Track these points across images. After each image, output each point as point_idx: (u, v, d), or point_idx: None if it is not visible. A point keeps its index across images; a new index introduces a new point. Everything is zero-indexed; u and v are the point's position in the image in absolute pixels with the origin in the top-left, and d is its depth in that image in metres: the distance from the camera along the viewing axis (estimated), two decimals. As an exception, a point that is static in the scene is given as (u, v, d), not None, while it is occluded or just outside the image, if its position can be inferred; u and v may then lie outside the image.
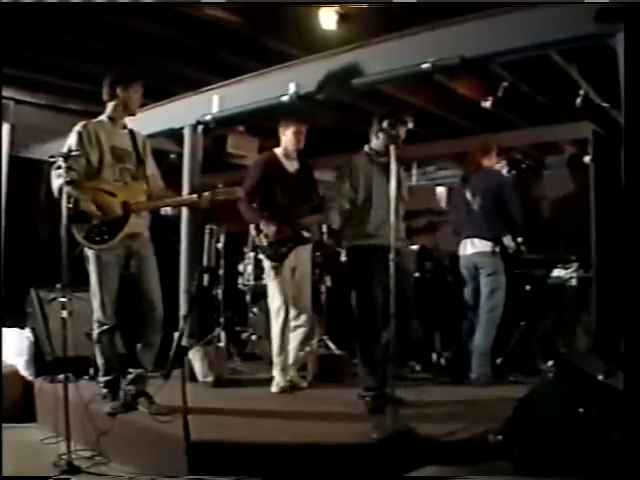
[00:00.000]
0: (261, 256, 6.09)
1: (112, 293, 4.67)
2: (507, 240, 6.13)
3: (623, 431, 3.01)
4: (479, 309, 6.21)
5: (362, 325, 5.04)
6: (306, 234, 5.83)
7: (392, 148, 4.48)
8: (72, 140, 4.61)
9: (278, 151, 5.89)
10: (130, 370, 4.79)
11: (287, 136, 5.81)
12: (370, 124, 5.22)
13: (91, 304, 4.72)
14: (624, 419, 3.02)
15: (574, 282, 6.59)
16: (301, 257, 5.81)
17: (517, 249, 6.26)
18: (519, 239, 6.32)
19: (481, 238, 6.16)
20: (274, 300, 5.71)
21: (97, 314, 4.67)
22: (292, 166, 5.87)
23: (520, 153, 8.38)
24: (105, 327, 4.67)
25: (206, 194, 4.77)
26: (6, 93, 7.38)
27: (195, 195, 4.82)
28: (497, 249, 6.11)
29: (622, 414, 3.05)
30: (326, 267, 7.23)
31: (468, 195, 6.31)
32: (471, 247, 6.25)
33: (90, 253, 4.62)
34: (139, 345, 4.80)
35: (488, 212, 6.16)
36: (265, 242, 5.68)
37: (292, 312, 5.74)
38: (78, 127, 4.66)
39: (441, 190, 5.62)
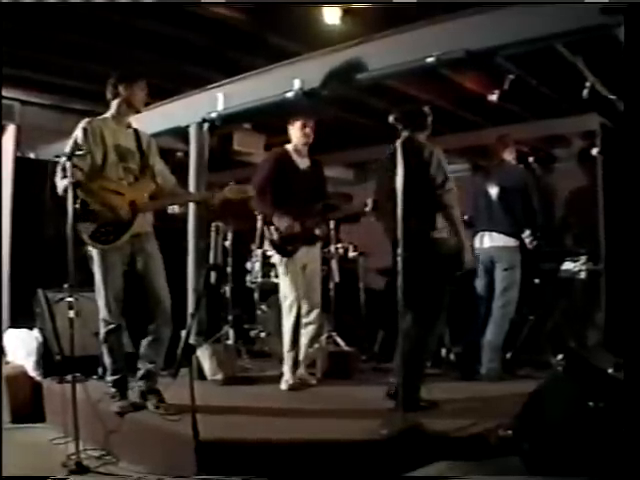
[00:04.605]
0: (270, 252, 6.09)
1: (117, 292, 4.65)
2: (526, 235, 6.09)
3: (629, 425, 2.99)
4: (491, 304, 6.17)
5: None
6: (317, 231, 5.82)
7: (398, 143, 4.44)
8: (78, 135, 4.57)
9: (289, 148, 5.88)
10: (139, 366, 4.78)
11: (294, 132, 5.80)
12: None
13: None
14: (629, 413, 3.01)
15: (583, 275, 6.56)
16: (311, 254, 5.81)
17: (538, 244, 6.20)
18: (539, 234, 6.26)
19: (500, 232, 6.11)
20: (286, 297, 5.69)
21: (103, 313, 4.65)
22: (303, 163, 5.87)
23: (528, 146, 8.33)
24: (111, 326, 4.65)
25: (216, 192, 4.78)
26: (12, 94, 7.41)
27: (205, 192, 4.80)
28: (517, 244, 6.07)
29: (628, 408, 3.04)
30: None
31: (490, 188, 6.24)
32: (489, 240, 6.19)
33: (94, 253, 4.61)
34: (147, 339, 4.77)
35: (509, 206, 6.10)
36: (276, 236, 5.67)
37: (303, 309, 5.72)
38: (83, 123, 4.62)
39: None
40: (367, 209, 5.55)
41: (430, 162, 4.68)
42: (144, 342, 4.79)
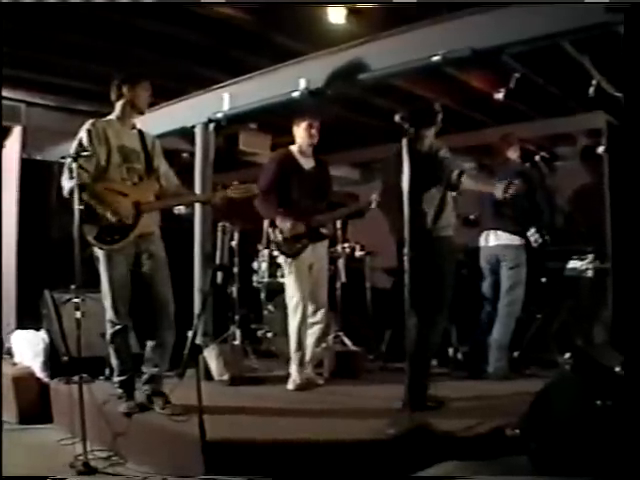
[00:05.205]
0: (276, 253, 6.09)
1: (124, 293, 4.65)
2: (531, 233, 6.06)
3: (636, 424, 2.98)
4: (498, 302, 6.15)
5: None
6: (323, 230, 5.82)
7: (404, 142, 4.43)
8: (82, 137, 4.57)
9: (293, 148, 5.87)
10: (144, 370, 4.78)
11: (300, 132, 5.79)
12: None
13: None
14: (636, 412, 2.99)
15: (590, 274, 6.53)
16: (318, 253, 5.80)
17: (543, 243, 6.17)
18: (544, 232, 6.23)
19: (506, 230, 6.09)
20: (292, 297, 5.69)
21: (109, 314, 4.66)
22: (308, 163, 5.85)
23: (533, 144, 8.31)
24: (118, 327, 4.65)
25: (219, 192, 4.78)
26: (17, 95, 7.43)
27: (209, 193, 4.80)
28: (522, 242, 6.05)
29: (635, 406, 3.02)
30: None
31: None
32: (494, 239, 6.18)
33: (100, 253, 4.61)
34: (150, 344, 4.78)
35: (515, 205, 6.07)
36: (280, 238, 5.67)
37: (309, 309, 5.72)
38: (87, 125, 4.63)
39: None
40: (372, 206, 5.55)
41: (435, 157, 4.68)
42: (148, 347, 4.80)
